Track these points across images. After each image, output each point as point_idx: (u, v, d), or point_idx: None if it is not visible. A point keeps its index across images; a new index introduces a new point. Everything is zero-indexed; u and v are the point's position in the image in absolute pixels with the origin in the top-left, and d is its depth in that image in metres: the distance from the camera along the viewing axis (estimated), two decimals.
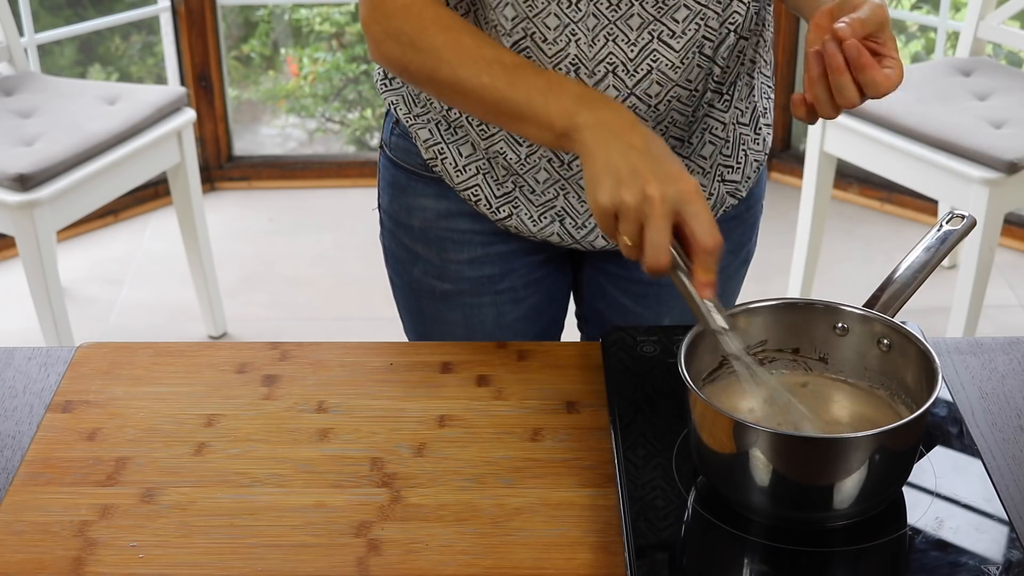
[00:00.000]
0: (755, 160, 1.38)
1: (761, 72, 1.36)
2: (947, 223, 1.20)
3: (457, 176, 1.36)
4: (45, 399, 1.25)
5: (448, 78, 1.19)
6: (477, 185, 1.35)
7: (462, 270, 1.42)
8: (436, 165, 1.36)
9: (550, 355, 1.31)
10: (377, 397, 1.24)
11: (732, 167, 1.36)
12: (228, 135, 3.65)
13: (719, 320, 1.08)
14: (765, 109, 1.38)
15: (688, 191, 1.06)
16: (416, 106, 1.36)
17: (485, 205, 1.36)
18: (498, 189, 1.35)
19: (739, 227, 1.43)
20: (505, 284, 1.43)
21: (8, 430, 1.21)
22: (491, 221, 1.38)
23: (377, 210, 1.48)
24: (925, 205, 3.37)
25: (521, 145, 1.31)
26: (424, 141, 1.36)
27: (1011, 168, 2.53)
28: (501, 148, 1.32)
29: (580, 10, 1.21)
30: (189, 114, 2.81)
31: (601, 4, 1.21)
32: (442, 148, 1.35)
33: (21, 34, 3.06)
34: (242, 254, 3.34)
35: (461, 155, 1.34)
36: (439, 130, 1.35)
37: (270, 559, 1.05)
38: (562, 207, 1.34)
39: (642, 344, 1.27)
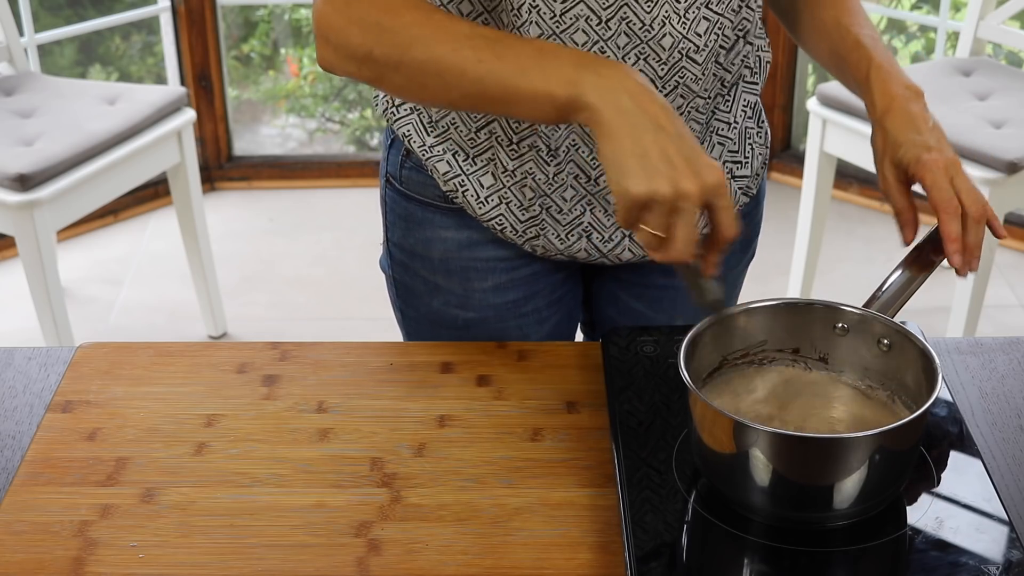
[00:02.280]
0: (760, 154, 1.38)
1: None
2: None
3: (480, 207, 1.31)
4: (45, 399, 1.25)
5: (421, 57, 1.09)
6: (501, 215, 1.31)
7: (487, 297, 1.39)
8: (457, 197, 1.32)
9: (550, 355, 1.31)
10: (377, 397, 1.24)
11: (741, 163, 1.35)
12: (228, 135, 3.65)
13: (718, 293, 1.09)
14: (760, 104, 1.38)
15: (720, 183, 1.02)
16: (430, 135, 1.31)
17: (511, 232, 1.32)
18: (523, 214, 1.31)
19: (749, 224, 1.44)
20: (530, 307, 1.41)
21: (8, 430, 1.21)
22: (515, 246, 1.35)
23: (385, 244, 1.44)
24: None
25: (549, 165, 1.27)
26: (443, 174, 1.31)
27: (1011, 168, 2.53)
28: (530, 168, 1.28)
29: (610, 28, 1.17)
30: (189, 114, 2.81)
31: (634, 24, 1.17)
32: (462, 180, 1.30)
33: (21, 34, 3.06)
34: (242, 254, 3.34)
35: (483, 186, 1.30)
36: (457, 161, 1.30)
37: (270, 559, 1.05)
38: (589, 223, 1.31)
39: (642, 344, 1.27)
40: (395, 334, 1.54)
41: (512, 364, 1.29)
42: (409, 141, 1.33)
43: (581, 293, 1.48)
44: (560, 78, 1.05)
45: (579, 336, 1.57)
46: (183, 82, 3.53)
